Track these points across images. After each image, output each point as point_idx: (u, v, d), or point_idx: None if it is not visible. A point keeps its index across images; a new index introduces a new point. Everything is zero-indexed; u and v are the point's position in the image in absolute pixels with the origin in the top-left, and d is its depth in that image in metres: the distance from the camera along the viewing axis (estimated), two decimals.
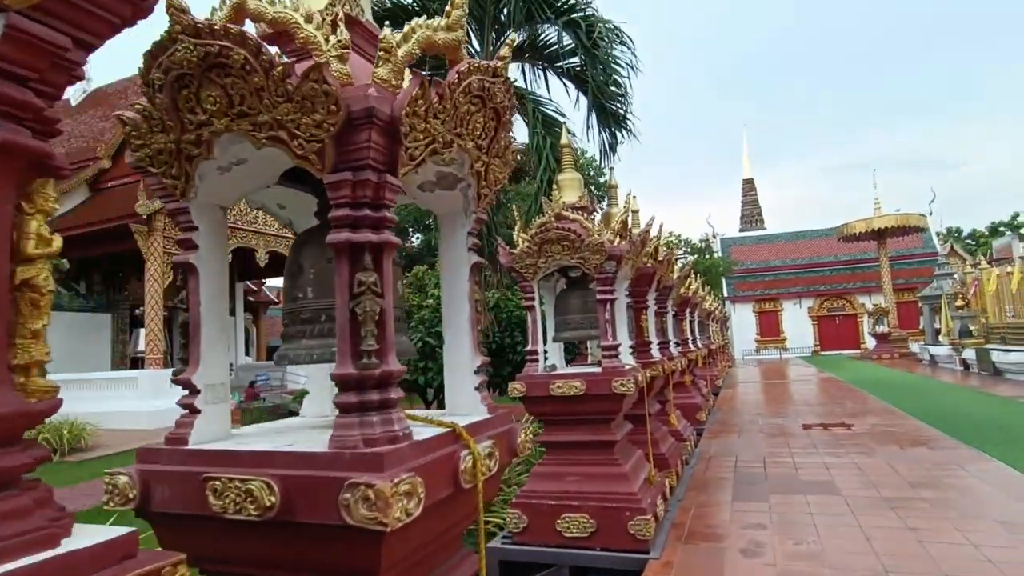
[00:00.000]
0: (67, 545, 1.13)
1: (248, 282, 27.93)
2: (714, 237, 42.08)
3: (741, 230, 52.71)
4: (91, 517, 7.83)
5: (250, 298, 29.00)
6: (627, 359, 5.10)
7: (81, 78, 1.40)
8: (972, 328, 19.76)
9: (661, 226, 6.51)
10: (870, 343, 34.77)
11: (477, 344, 2.21)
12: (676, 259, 9.30)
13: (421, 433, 1.81)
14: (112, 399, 16.32)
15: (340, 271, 1.69)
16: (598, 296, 4.65)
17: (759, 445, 8.25)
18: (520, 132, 5.96)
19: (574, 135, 6.15)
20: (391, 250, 1.76)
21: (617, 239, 4.67)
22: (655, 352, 6.38)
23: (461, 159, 2.09)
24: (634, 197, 6.01)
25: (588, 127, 5.83)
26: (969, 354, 18.47)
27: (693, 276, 12.76)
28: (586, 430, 4.72)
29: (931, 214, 33.67)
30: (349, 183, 1.66)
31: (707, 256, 36.77)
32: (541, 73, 6.50)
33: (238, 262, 22.80)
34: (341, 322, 1.68)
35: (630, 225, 5.06)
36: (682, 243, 35.34)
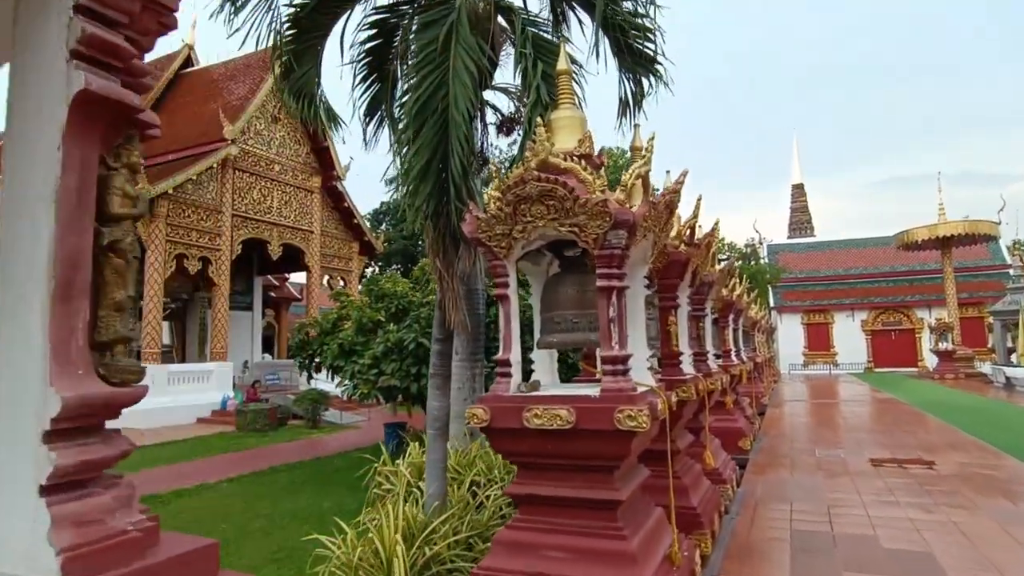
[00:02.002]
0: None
1: (270, 277, 27.09)
2: (760, 243, 39.69)
3: (789, 237, 49.99)
4: None
5: (272, 293, 28.15)
6: (642, 377, 3.56)
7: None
8: None
9: (700, 199, 4.93)
10: (930, 361, 32.02)
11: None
12: (718, 253, 7.66)
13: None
14: None
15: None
16: (598, 281, 3.14)
17: (819, 487, 6.56)
18: (507, 68, 4.46)
19: (578, 65, 4.61)
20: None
21: (629, 199, 3.14)
22: (686, 366, 4.82)
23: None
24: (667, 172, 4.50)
25: (595, 54, 4.29)
26: None
27: (738, 277, 11.06)
28: (577, 482, 3.20)
29: (1000, 223, 30.88)
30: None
31: (753, 262, 34.54)
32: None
33: (258, 256, 21.88)
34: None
35: (651, 186, 3.53)
36: (725, 248, 33.22)
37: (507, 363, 3.35)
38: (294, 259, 20.99)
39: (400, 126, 4.32)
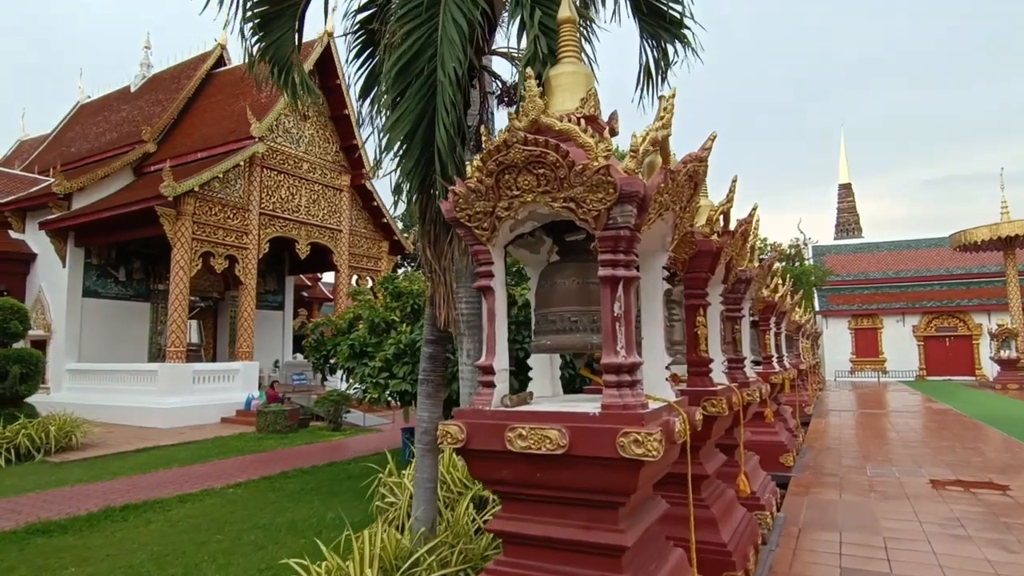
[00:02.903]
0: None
1: (303, 276, 27.04)
2: (805, 244, 38.11)
3: (836, 239, 48.10)
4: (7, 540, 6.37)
5: (304, 293, 28.12)
6: (659, 389, 2.93)
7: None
8: None
9: (735, 180, 4.25)
10: (988, 369, 30.18)
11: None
12: (758, 248, 6.91)
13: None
14: (131, 393, 15.34)
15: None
16: (600, 270, 2.52)
17: (872, 513, 5.76)
18: (511, 33, 3.85)
19: (587, 21, 4.00)
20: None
21: (640, 168, 2.52)
22: (717, 375, 4.14)
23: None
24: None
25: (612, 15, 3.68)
26: None
27: (781, 277, 10.22)
28: (572, 520, 2.58)
29: None
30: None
31: (798, 264, 33.09)
32: None
33: (289, 255, 21.76)
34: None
35: (672, 155, 2.88)
36: (768, 247, 31.88)
37: (489, 370, 2.75)
38: (324, 258, 20.76)
39: (382, 88, 3.78)
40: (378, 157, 3.56)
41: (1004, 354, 25.06)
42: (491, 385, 2.75)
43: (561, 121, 2.60)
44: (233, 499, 8.13)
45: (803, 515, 5.71)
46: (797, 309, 14.67)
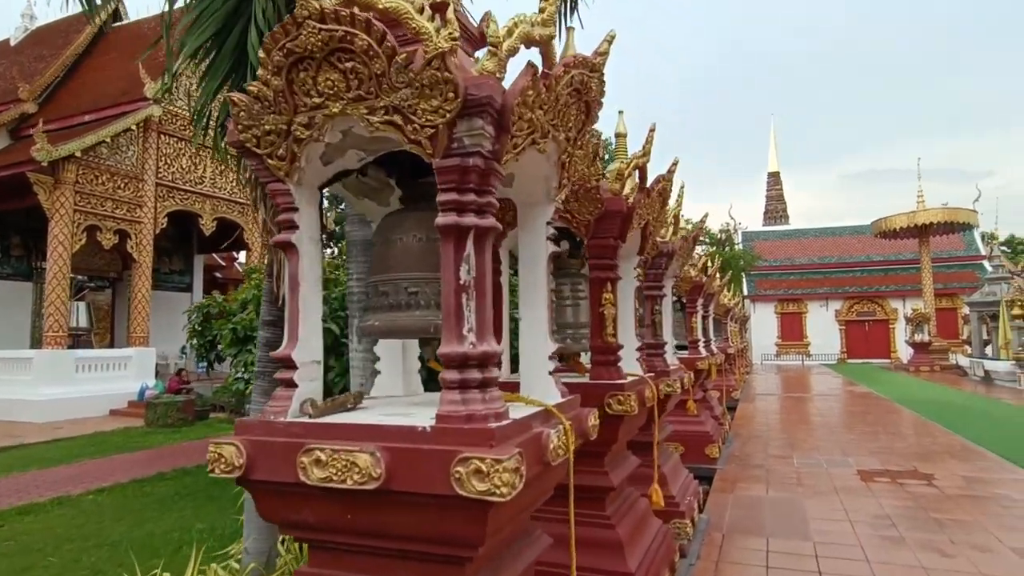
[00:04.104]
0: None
1: (215, 255, 25.23)
2: (735, 230, 38.59)
3: (765, 225, 49.19)
4: None
5: (217, 274, 26.28)
6: (537, 388, 2.16)
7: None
8: None
9: (652, 131, 3.50)
10: (903, 352, 31.33)
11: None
12: (684, 227, 6.29)
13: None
14: (3, 383, 13.62)
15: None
16: (439, 217, 1.71)
17: (801, 512, 5.24)
18: None
19: None
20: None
21: (500, 69, 1.71)
22: (631, 363, 3.43)
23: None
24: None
25: None
26: None
27: (709, 257, 9.74)
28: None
29: (977, 212, 30.15)
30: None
31: (728, 248, 33.40)
32: None
33: (199, 232, 20.05)
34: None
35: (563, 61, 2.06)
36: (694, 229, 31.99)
37: (289, 363, 1.90)
38: (239, 236, 19.20)
39: None
40: (172, 70, 2.62)
41: (918, 338, 25.95)
42: (291, 385, 1.90)
43: None
44: (88, 509, 6.97)
45: (728, 516, 5.14)
46: (726, 292, 14.38)
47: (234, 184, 18.11)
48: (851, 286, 36.40)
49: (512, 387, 2.32)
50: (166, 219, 16.33)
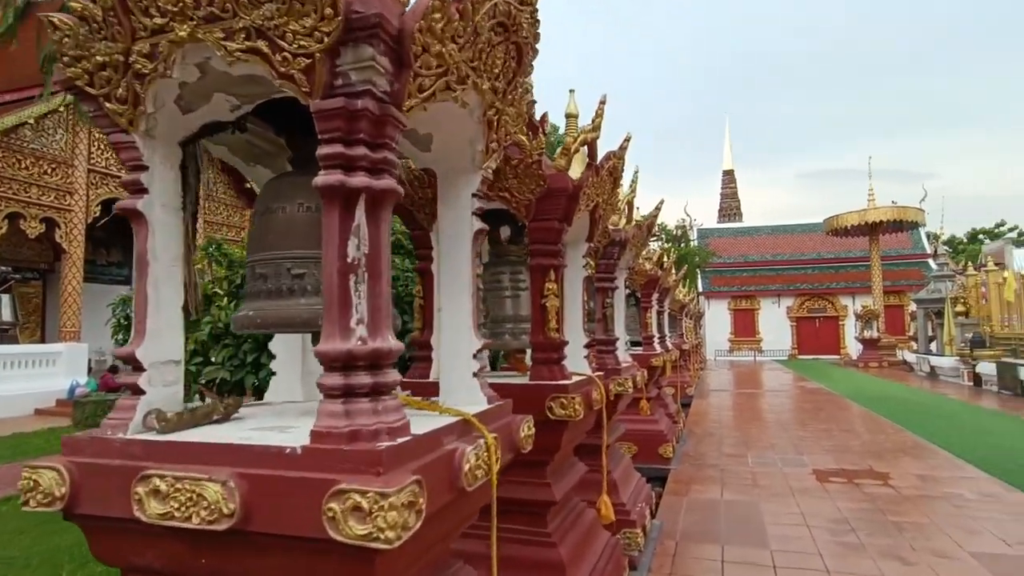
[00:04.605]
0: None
1: None
2: (691, 227, 38.96)
3: (719, 222, 49.89)
4: None
5: None
6: (457, 394, 1.80)
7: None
8: (988, 338, 16.95)
9: (603, 103, 3.16)
10: (852, 348, 32.11)
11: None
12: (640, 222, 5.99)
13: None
14: None
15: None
16: (320, 176, 1.32)
17: (757, 516, 5.02)
18: None
19: None
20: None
21: None
22: (576, 361, 3.10)
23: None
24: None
25: None
26: (986, 368, 15.60)
27: (665, 252, 9.54)
28: None
29: (924, 211, 31.05)
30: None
31: (683, 245, 33.65)
32: None
33: None
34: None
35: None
36: (656, 228, 32.12)
37: (135, 364, 1.49)
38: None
39: None
40: None
41: (867, 334, 26.55)
42: (138, 392, 1.49)
43: None
44: None
45: (682, 521, 4.88)
46: (681, 288, 14.28)
47: None
48: (803, 283, 37.13)
49: (434, 390, 1.96)
50: (100, 207, 15.37)
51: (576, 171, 2.94)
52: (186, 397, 5.87)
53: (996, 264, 23.10)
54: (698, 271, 34.16)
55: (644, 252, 7.56)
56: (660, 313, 8.70)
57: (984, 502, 5.43)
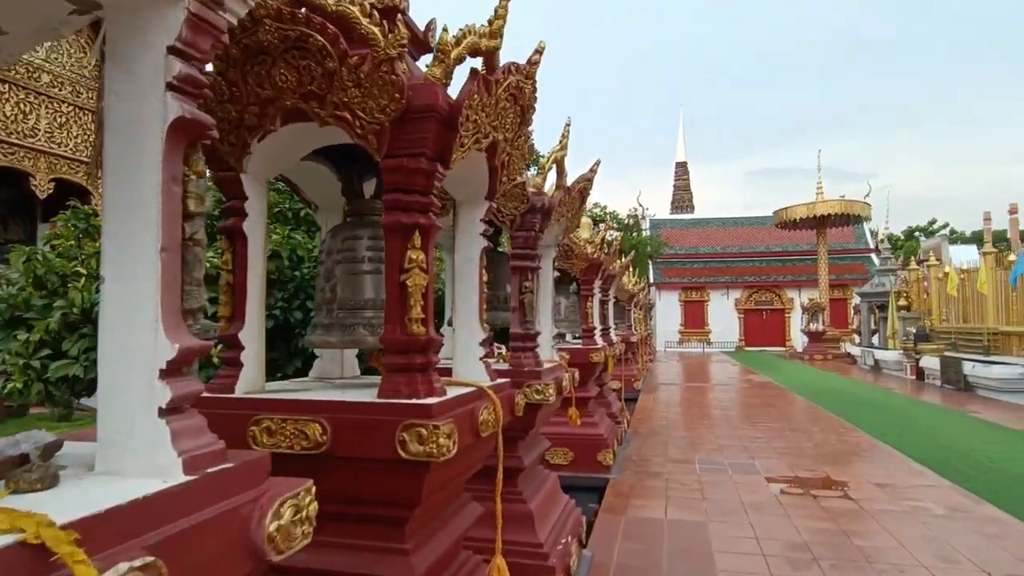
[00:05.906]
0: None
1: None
2: (643, 216, 38.59)
3: (672, 213, 49.90)
4: None
5: None
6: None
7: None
8: (930, 332, 16.89)
9: (541, 51, 2.24)
10: (797, 341, 32.31)
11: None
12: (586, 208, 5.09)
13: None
14: None
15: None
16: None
17: (706, 546, 4.24)
18: None
19: None
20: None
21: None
22: (468, 364, 2.20)
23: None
24: None
25: None
26: (929, 362, 15.48)
27: (616, 239, 8.75)
28: None
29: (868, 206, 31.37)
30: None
31: (635, 234, 33.20)
32: None
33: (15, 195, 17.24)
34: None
35: None
36: (608, 216, 31.55)
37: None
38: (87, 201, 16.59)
39: None
40: None
41: (813, 327, 26.61)
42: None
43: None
44: None
45: (617, 552, 4.06)
46: (630, 275, 13.59)
47: (77, 139, 15.58)
48: (751, 275, 37.31)
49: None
50: None
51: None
52: (23, 396, 4.68)
53: (937, 260, 23.38)
54: (649, 261, 33.84)
55: (589, 236, 6.74)
56: (604, 303, 7.91)
57: (953, 519, 4.81)
